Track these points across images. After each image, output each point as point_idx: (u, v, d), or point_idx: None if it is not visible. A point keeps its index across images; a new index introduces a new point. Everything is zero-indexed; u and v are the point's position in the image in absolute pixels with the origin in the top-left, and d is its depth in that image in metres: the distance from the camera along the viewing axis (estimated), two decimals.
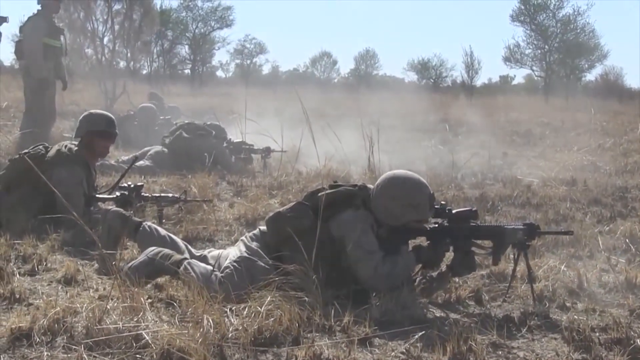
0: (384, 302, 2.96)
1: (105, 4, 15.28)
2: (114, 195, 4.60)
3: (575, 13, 36.68)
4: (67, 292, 3.11)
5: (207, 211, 4.88)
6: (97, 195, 4.67)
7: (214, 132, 7.79)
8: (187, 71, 42.40)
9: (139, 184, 4.73)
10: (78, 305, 2.78)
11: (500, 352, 2.62)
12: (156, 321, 2.67)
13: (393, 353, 2.57)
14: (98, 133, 4.67)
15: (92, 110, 5.07)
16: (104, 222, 3.74)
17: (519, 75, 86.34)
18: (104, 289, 3.14)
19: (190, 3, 40.48)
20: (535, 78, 41.62)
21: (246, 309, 2.77)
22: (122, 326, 2.54)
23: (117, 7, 15.73)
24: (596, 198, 6.06)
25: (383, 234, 3.25)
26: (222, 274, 3.14)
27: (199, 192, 5.53)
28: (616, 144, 11.04)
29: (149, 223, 3.73)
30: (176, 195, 4.85)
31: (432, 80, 42.73)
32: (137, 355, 2.41)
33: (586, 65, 38.72)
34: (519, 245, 3.15)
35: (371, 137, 7.00)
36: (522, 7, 37.46)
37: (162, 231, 3.69)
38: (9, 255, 3.68)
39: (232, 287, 3.01)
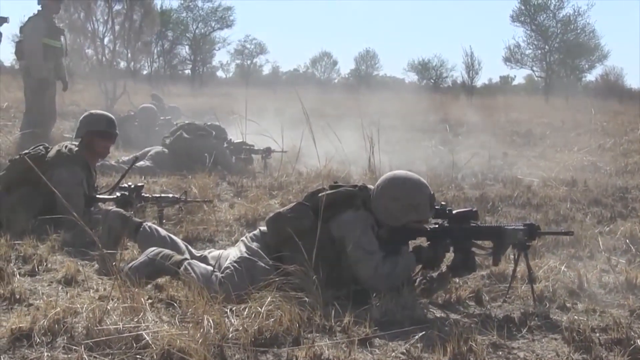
0: (384, 302, 2.96)
1: (105, 4, 15.30)
2: (115, 196, 4.60)
3: (576, 13, 36.76)
4: (67, 293, 3.11)
5: (208, 212, 4.88)
6: (98, 196, 4.67)
7: (214, 133, 7.78)
8: (188, 71, 42.45)
9: (140, 184, 4.73)
10: (78, 305, 2.78)
11: (500, 353, 2.62)
12: (156, 322, 2.67)
13: (393, 353, 2.57)
14: (98, 133, 4.67)
15: (93, 111, 5.07)
16: (104, 222, 3.75)
17: (519, 75, 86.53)
18: (104, 289, 3.14)
19: (190, 3, 40.58)
20: (536, 78, 41.69)
21: (246, 310, 2.77)
22: (123, 327, 2.54)
23: (117, 7, 15.77)
24: (596, 198, 6.06)
25: (383, 235, 3.25)
26: (223, 275, 3.14)
27: (200, 193, 5.53)
28: (616, 144, 11.03)
29: (149, 223, 3.74)
30: (176, 196, 4.85)
31: (433, 81, 42.72)
32: (138, 356, 2.41)
33: (586, 66, 38.76)
34: (519, 246, 3.15)
35: (371, 137, 7.00)
36: (523, 8, 37.49)
37: (163, 232, 3.69)
38: (9, 256, 3.69)
39: (232, 287, 3.01)
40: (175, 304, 2.92)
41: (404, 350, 2.58)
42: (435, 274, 3.25)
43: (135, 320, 2.61)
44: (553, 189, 6.46)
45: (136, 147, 8.42)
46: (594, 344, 2.66)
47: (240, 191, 6.16)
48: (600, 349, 2.64)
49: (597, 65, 38.43)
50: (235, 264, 3.19)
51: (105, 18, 15.36)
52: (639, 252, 4.12)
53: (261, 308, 2.72)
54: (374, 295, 3.05)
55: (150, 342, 2.43)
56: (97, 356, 2.39)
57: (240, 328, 2.61)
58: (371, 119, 9.47)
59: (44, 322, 2.60)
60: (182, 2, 40.18)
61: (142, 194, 4.66)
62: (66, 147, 4.63)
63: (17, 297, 3.00)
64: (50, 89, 8.48)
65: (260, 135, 7.48)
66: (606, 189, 6.54)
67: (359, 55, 52.82)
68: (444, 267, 3.25)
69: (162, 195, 4.86)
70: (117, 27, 15.59)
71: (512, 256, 3.32)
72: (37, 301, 2.97)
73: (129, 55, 17.20)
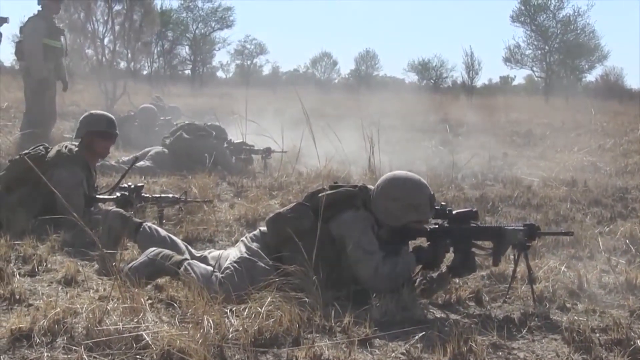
0: (384, 302, 2.96)
1: (105, 4, 15.29)
2: (115, 196, 4.60)
3: (576, 14, 36.78)
4: (67, 293, 3.11)
5: (208, 212, 4.88)
6: (98, 196, 4.67)
7: (214, 133, 7.78)
8: (188, 72, 42.45)
9: (140, 184, 4.73)
10: (78, 306, 2.78)
11: (500, 353, 2.62)
12: (156, 322, 2.67)
13: (393, 354, 2.57)
14: (98, 133, 4.67)
15: (93, 111, 5.07)
16: (104, 222, 3.74)
17: (519, 75, 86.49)
18: (104, 289, 3.14)
19: (190, 4, 40.59)
20: (536, 79, 41.70)
21: (246, 310, 2.77)
22: (122, 327, 2.54)
23: (117, 7, 15.73)
24: (596, 199, 6.06)
25: (383, 235, 3.25)
26: (223, 275, 3.14)
27: (200, 193, 5.53)
28: (616, 144, 11.04)
29: (149, 224, 3.74)
30: (176, 196, 4.84)
31: (433, 81, 42.73)
32: (137, 356, 2.41)
33: (586, 66, 38.77)
34: (519, 246, 3.15)
35: (371, 137, 7.00)
36: (523, 8, 37.51)
37: (163, 232, 3.69)
38: (9, 256, 3.69)
39: (232, 287, 3.01)
40: (175, 304, 2.92)
41: (404, 351, 2.58)
42: (435, 274, 3.24)
43: (135, 320, 2.61)
44: (553, 189, 6.46)
45: (136, 147, 8.41)
46: (594, 345, 2.66)
47: (240, 191, 6.16)
48: (600, 350, 2.64)
49: (597, 66, 38.52)
50: (235, 264, 3.19)
51: (105, 18, 15.36)
52: (638, 253, 4.12)
53: (261, 308, 2.72)
54: (374, 295, 3.05)
55: (150, 343, 2.43)
56: (97, 356, 2.39)
57: (240, 328, 2.61)
58: (371, 119, 9.48)
59: (43, 322, 2.60)
60: (182, 2, 40.25)
61: (142, 194, 4.66)
62: (66, 147, 4.63)
63: (17, 297, 3.00)
64: (51, 89, 8.48)
65: (260, 135, 7.48)
66: (606, 189, 6.54)
67: (359, 56, 52.86)
68: (444, 268, 3.25)
69: (162, 195, 4.86)
70: (117, 27, 15.58)
71: (512, 256, 3.32)
72: (37, 301, 2.97)
73: (129, 55, 17.18)
